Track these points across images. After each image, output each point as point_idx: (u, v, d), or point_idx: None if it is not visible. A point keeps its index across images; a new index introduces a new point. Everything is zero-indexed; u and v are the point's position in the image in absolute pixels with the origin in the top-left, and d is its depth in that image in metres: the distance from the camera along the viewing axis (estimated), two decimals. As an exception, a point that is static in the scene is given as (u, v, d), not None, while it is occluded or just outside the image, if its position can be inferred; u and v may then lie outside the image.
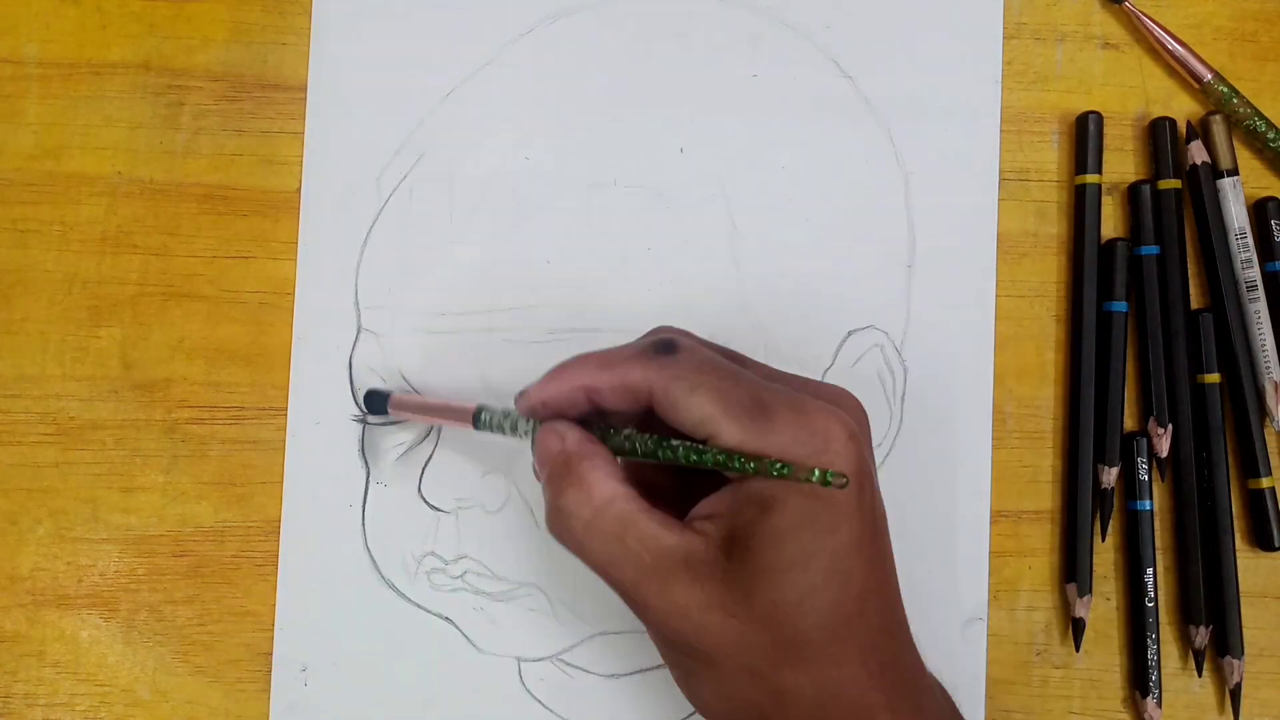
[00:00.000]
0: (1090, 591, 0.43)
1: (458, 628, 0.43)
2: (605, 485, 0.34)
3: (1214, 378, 0.44)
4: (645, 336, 0.37)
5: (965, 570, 0.44)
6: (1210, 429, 0.44)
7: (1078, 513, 0.43)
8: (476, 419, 0.38)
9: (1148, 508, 0.43)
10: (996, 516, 0.44)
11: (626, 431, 0.35)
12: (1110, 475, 0.43)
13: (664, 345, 0.35)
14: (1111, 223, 0.45)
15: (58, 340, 0.43)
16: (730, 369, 0.34)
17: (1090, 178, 0.44)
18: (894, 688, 0.34)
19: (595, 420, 0.36)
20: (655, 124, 0.45)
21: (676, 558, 0.33)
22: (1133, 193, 0.45)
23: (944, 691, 0.37)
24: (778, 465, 0.31)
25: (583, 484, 0.34)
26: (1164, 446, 0.43)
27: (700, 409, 0.33)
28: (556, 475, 0.35)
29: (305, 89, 0.44)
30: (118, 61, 0.44)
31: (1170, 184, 0.44)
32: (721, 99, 0.45)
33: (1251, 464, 0.44)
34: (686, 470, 0.35)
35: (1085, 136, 0.45)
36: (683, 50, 0.45)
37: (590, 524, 0.34)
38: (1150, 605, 0.43)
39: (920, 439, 0.44)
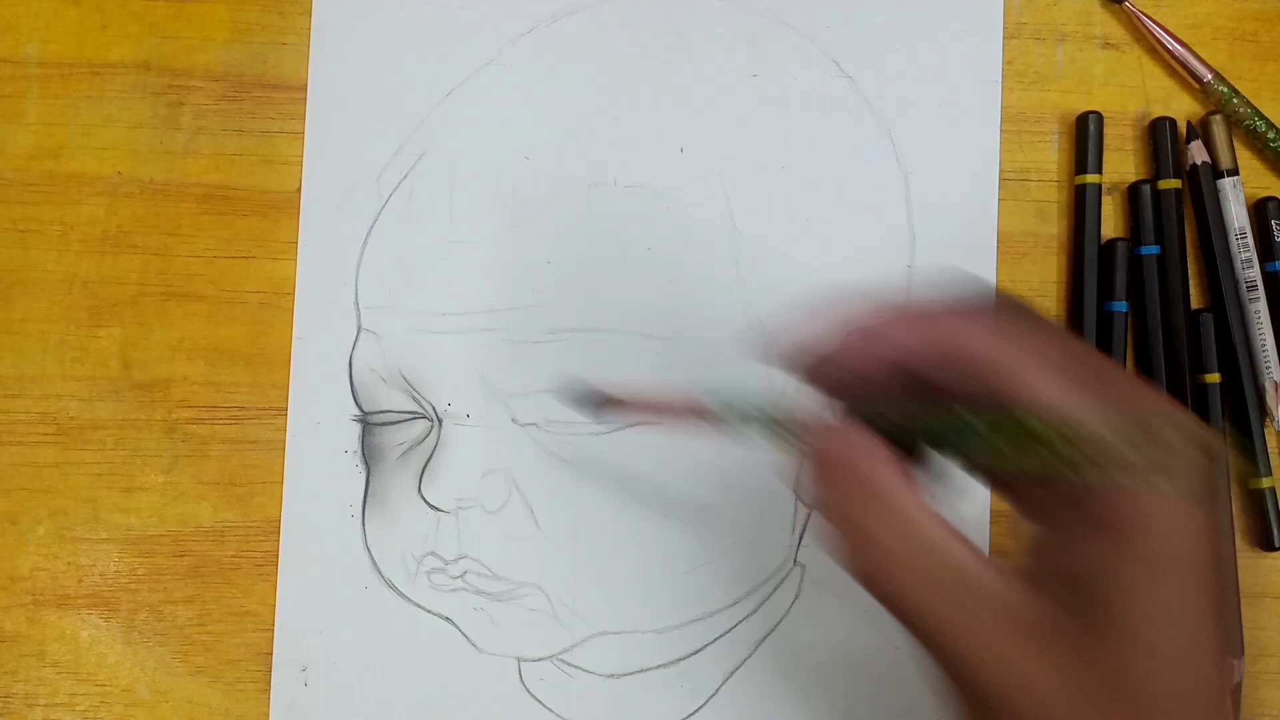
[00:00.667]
0: None
1: (458, 628, 0.43)
2: (910, 500, 0.26)
3: (1214, 378, 0.44)
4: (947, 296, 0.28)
5: (965, 570, 0.44)
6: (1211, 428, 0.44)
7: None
8: (710, 419, 0.32)
9: None
10: (996, 516, 0.44)
11: (901, 412, 0.27)
12: None
13: (979, 296, 0.27)
14: (1112, 223, 0.45)
15: (58, 340, 0.43)
16: (1062, 337, 0.27)
17: (1090, 178, 0.44)
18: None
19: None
20: (655, 124, 0.45)
21: (1000, 602, 0.26)
22: (1133, 193, 0.45)
23: None
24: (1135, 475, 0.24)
25: (881, 498, 0.27)
26: None
27: (1045, 388, 0.25)
28: (844, 486, 0.27)
29: (305, 89, 0.44)
30: (118, 61, 0.44)
31: (1170, 184, 0.44)
32: (721, 99, 0.45)
33: (1252, 463, 0.44)
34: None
35: (1085, 136, 0.45)
36: (683, 50, 0.45)
37: (889, 543, 0.26)
38: None
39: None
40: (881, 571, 0.27)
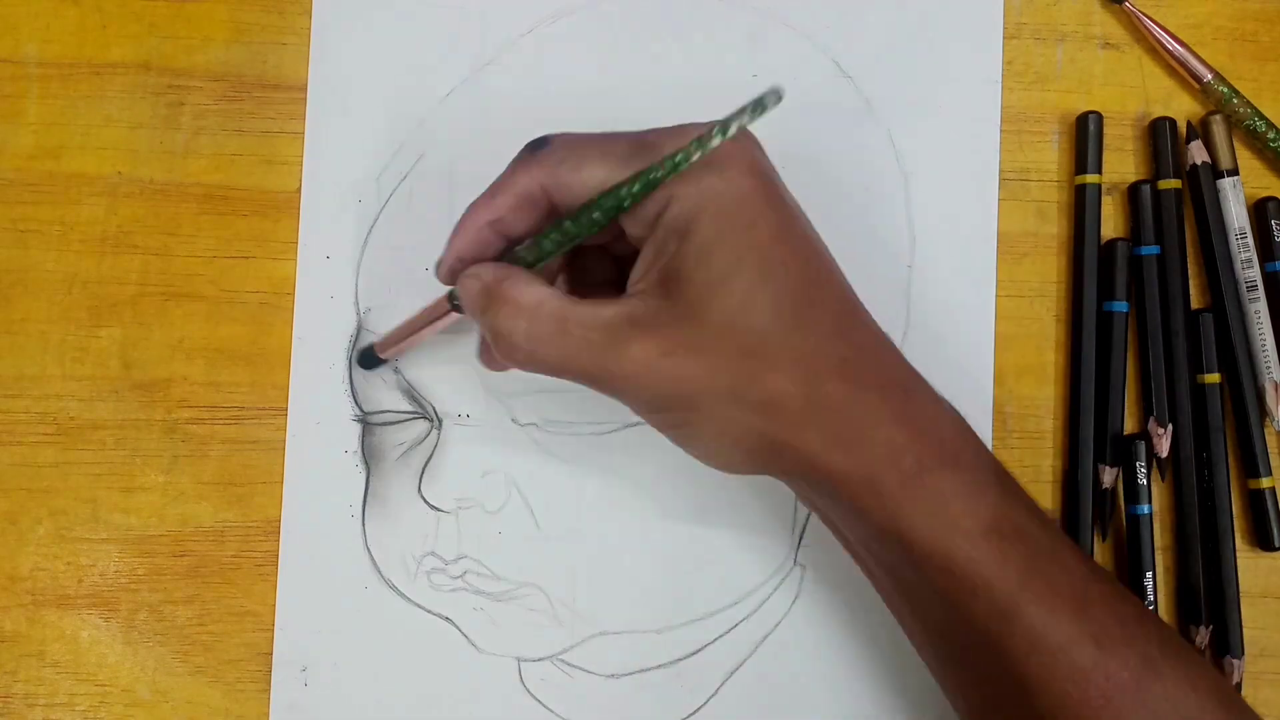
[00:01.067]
0: None
1: (458, 628, 0.43)
2: (530, 292, 0.34)
3: (1214, 377, 0.44)
4: None
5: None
6: (1210, 429, 0.44)
7: (1079, 514, 0.43)
8: (452, 302, 0.38)
9: (1146, 511, 0.43)
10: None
11: (526, 242, 0.35)
12: (1110, 475, 0.43)
13: (536, 143, 0.35)
14: (1112, 223, 0.45)
15: (58, 340, 0.43)
16: (605, 135, 0.35)
17: (1090, 177, 0.44)
18: (874, 369, 0.34)
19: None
20: (655, 124, 0.44)
21: (621, 321, 0.33)
22: (1133, 193, 0.45)
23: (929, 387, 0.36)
24: (671, 159, 0.31)
25: (508, 300, 0.34)
26: (1164, 446, 0.43)
27: (593, 176, 0.33)
28: (485, 307, 0.35)
29: (305, 89, 0.44)
30: (118, 61, 0.44)
31: (1170, 184, 0.44)
32: (721, 99, 0.45)
33: (1252, 464, 0.44)
34: (612, 265, 0.37)
35: (1085, 136, 0.45)
36: (683, 50, 0.45)
37: (530, 332, 0.34)
38: (1150, 608, 0.43)
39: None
40: (529, 353, 0.34)
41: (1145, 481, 0.43)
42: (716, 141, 0.31)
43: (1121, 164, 0.45)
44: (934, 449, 0.34)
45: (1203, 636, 0.43)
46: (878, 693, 0.43)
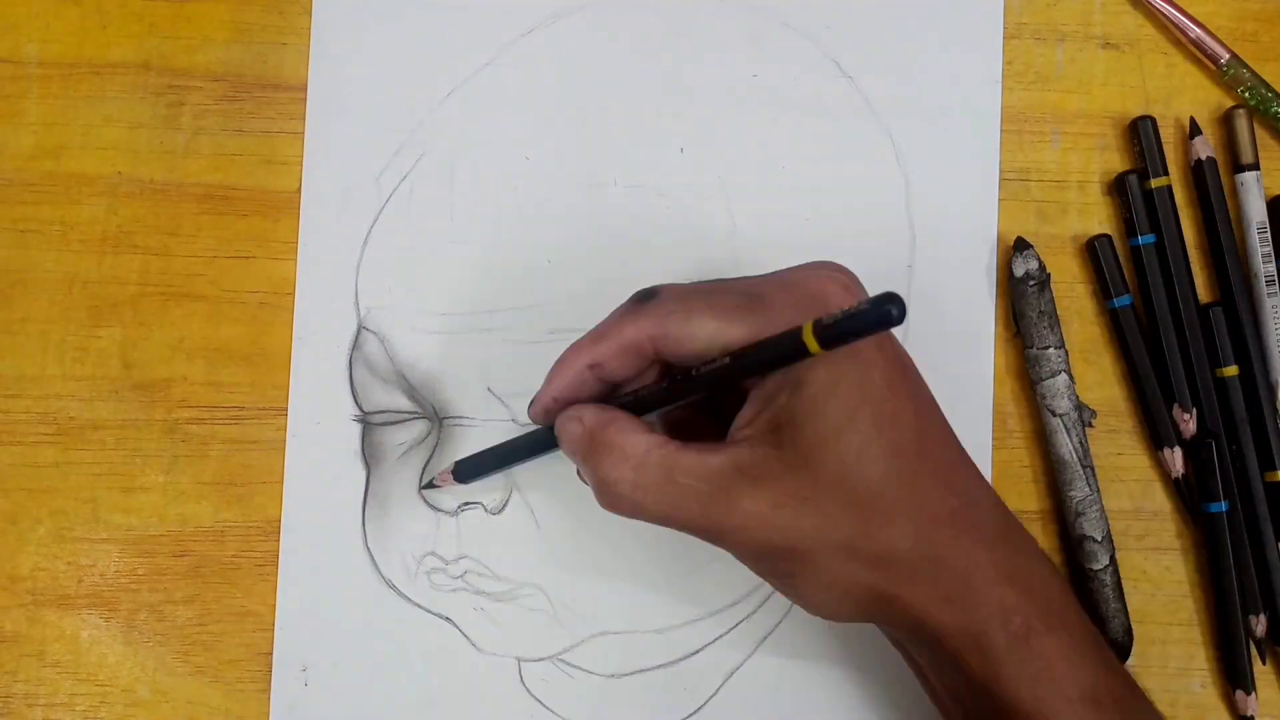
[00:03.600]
0: None
1: (458, 628, 0.43)
2: (635, 440, 0.34)
3: (1232, 370, 0.44)
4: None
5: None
6: (1236, 421, 0.43)
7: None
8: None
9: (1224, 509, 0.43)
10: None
11: (634, 389, 0.35)
12: (1177, 459, 0.43)
13: (644, 294, 0.35)
14: (1096, 219, 0.45)
15: (58, 340, 0.43)
16: (712, 285, 0.35)
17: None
18: (982, 523, 0.34)
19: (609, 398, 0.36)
20: (655, 124, 0.45)
21: (730, 471, 0.33)
22: (1120, 184, 0.44)
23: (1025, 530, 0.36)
24: (792, 344, 0.30)
25: (614, 448, 0.34)
26: (1190, 428, 0.43)
27: (701, 328, 0.33)
28: (588, 452, 0.34)
29: (305, 89, 0.44)
30: (118, 61, 0.44)
31: (1161, 181, 0.44)
32: (721, 99, 0.45)
33: (1268, 456, 0.43)
34: (715, 403, 0.36)
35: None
36: (683, 50, 0.45)
37: (636, 481, 0.33)
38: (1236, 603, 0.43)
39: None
40: (635, 504, 0.33)
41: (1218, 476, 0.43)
42: (844, 345, 0.30)
43: (1123, 165, 0.45)
44: (1041, 610, 0.33)
45: (1261, 625, 0.43)
46: (877, 693, 0.43)
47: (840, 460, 0.32)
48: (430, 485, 0.43)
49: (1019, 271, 0.43)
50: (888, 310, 0.28)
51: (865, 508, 0.32)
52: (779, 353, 0.32)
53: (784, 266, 0.37)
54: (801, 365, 0.32)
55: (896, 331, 0.44)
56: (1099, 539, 0.43)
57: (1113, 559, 0.43)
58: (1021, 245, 0.43)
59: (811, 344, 0.30)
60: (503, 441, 0.41)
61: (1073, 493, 0.43)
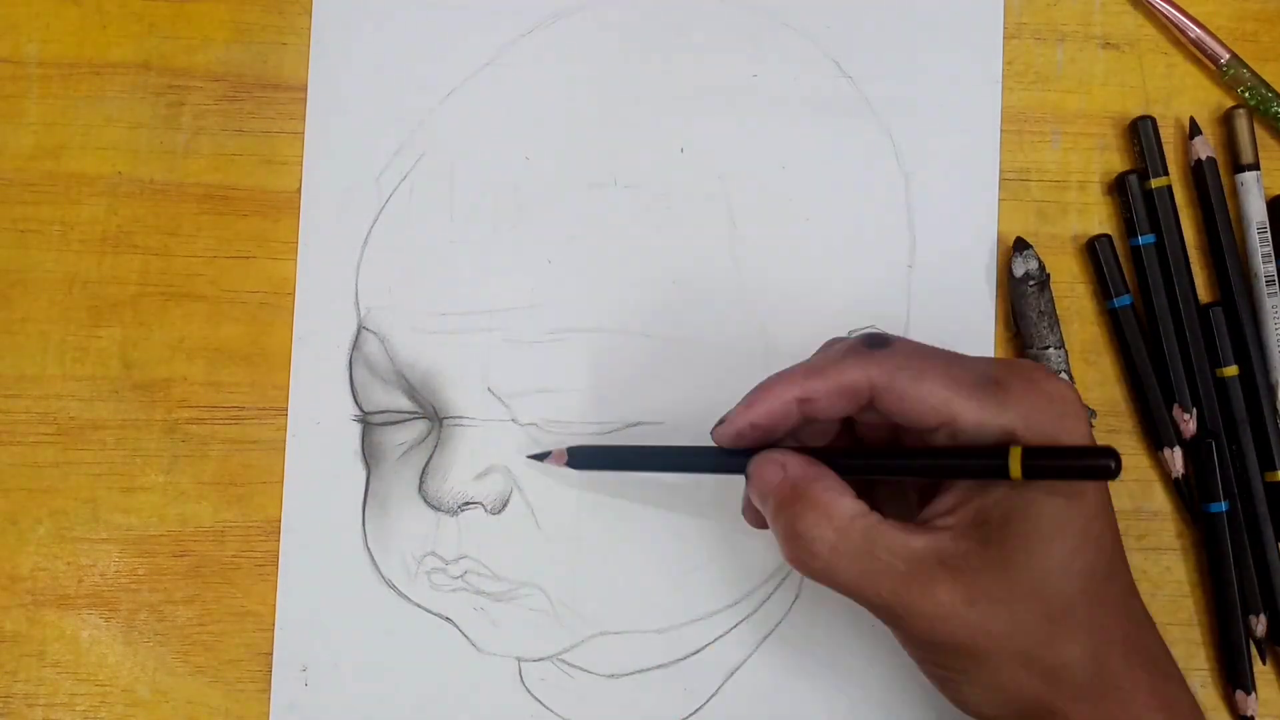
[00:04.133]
0: None
1: (458, 628, 0.43)
2: (843, 504, 0.33)
3: (1232, 370, 0.44)
4: (845, 340, 0.36)
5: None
6: (1236, 421, 0.43)
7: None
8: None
9: (1224, 509, 0.43)
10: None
11: (848, 453, 0.35)
12: (1177, 459, 0.43)
13: (876, 339, 0.34)
14: (1096, 219, 0.45)
15: (58, 340, 0.43)
16: (950, 353, 0.34)
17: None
18: (1147, 650, 0.34)
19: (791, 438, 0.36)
20: (655, 124, 0.45)
21: (930, 557, 0.32)
22: (1120, 184, 0.44)
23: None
24: (1035, 462, 0.30)
25: (818, 506, 0.33)
26: (1190, 428, 0.43)
27: (933, 394, 0.32)
28: (787, 503, 0.34)
29: (305, 89, 0.44)
30: (118, 61, 0.44)
31: (1161, 182, 0.44)
32: (721, 99, 0.45)
33: (1268, 457, 0.43)
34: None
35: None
36: (683, 50, 0.45)
37: (836, 545, 0.33)
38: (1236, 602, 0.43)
39: None
40: (828, 566, 0.33)
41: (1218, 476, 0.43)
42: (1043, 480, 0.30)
43: (1122, 165, 0.45)
44: None
45: (1262, 625, 0.43)
46: (877, 693, 0.43)
47: (1044, 568, 0.32)
48: (541, 456, 0.41)
49: (1019, 272, 0.43)
50: (1105, 464, 0.28)
51: (1054, 620, 0.32)
52: (979, 465, 0.32)
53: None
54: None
55: (896, 322, 0.44)
56: None
57: None
58: (1021, 245, 0.43)
59: (1015, 469, 0.30)
60: (651, 445, 0.40)
61: None
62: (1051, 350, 0.43)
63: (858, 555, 0.33)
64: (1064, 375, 0.43)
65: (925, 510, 0.34)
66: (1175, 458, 0.43)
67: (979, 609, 0.32)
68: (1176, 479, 0.44)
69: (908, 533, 0.33)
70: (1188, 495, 0.44)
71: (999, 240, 0.45)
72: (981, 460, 0.32)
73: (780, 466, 0.34)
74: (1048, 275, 0.43)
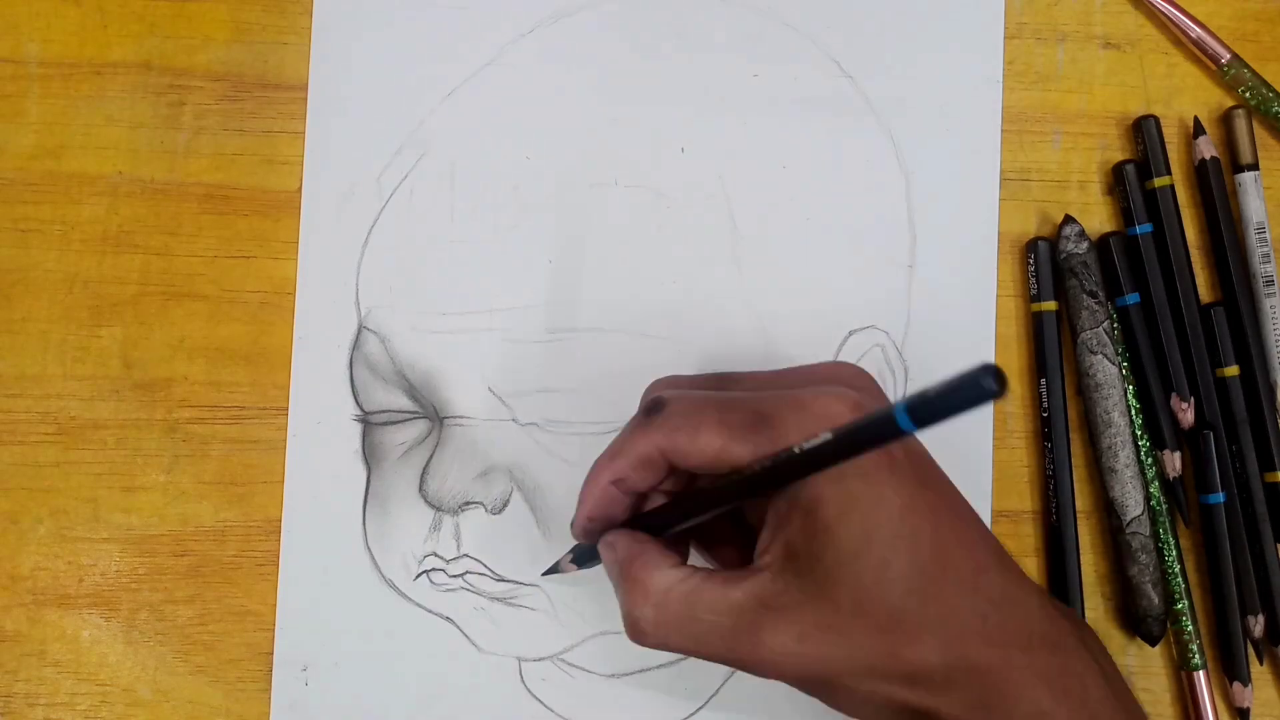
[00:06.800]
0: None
1: (458, 628, 0.43)
2: (659, 577, 0.34)
3: (1232, 370, 0.44)
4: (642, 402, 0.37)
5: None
6: (1236, 420, 0.43)
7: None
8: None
9: (1222, 499, 0.43)
10: (997, 516, 0.44)
11: (652, 506, 0.36)
12: (1175, 461, 0.43)
13: (653, 405, 0.35)
14: (1098, 219, 0.45)
15: (59, 340, 0.43)
16: (721, 398, 0.35)
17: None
18: (1017, 625, 0.33)
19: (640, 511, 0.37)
20: (655, 124, 0.45)
21: (751, 604, 0.33)
22: (1117, 174, 0.44)
23: (1081, 625, 0.36)
24: (811, 457, 0.30)
25: (638, 584, 0.34)
26: (1189, 418, 0.43)
27: (709, 446, 0.33)
28: (617, 584, 0.35)
29: (306, 88, 0.44)
30: (119, 61, 0.44)
31: (1163, 180, 0.44)
32: (722, 99, 0.45)
33: (1267, 457, 0.43)
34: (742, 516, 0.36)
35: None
36: (683, 50, 0.45)
37: (658, 620, 0.33)
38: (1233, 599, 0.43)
39: (920, 439, 0.44)
40: (658, 640, 0.34)
41: (1215, 467, 0.43)
42: (866, 453, 0.29)
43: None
44: (1076, 709, 0.33)
45: (1259, 625, 0.43)
46: None
47: (860, 585, 0.32)
48: (553, 570, 0.42)
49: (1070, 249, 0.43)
50: (987, 386, 0.23)
51: (889, 630, 0.32)
52: (769, 479, 0.31)
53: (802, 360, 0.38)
54: (812, 487, 0.32)
55: (896, 322, 0.44)
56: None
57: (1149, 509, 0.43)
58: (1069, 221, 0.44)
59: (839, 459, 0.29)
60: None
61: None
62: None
63: (682, 623, 0.33)
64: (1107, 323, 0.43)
65: (755, 557, 0.34)
66: (1173, 460, 0.43)
67: (811, 643, 0.32)
68: (1173, 479, 0.43)
69: (727, 585, 0.33)
70: (1183, 498, 0.44)
71: (999, 239, 0.45)
72: (766, 478, 0.32)
73: (610, 548, 0.35)
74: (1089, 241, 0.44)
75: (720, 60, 0.45)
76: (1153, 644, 0.43)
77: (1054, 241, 0.44)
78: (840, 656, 0.32)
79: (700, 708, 0.43)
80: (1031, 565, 0.44)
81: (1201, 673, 0.43)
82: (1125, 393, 0.43)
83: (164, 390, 0.43)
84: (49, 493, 0.43)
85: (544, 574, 0.42)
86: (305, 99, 0.44)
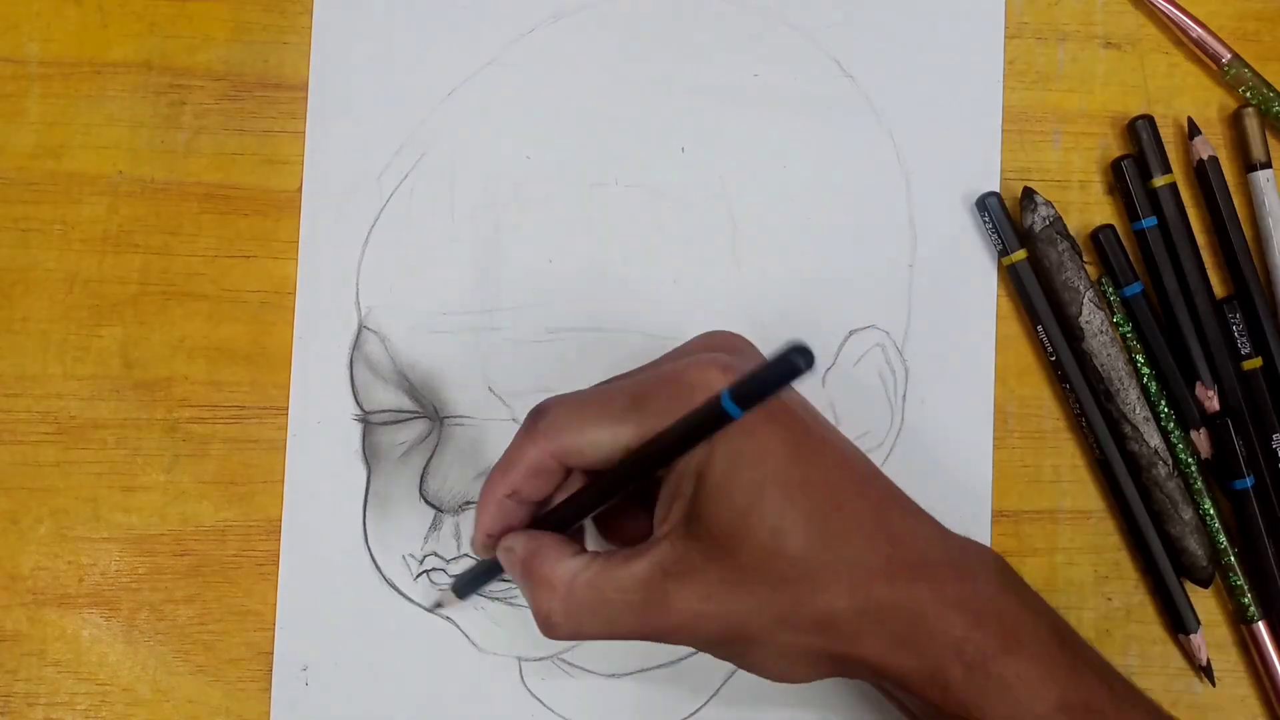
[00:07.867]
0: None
1: (458, 627, 0.43)
2: (561, 568, 0.34)
3: (1255, 363, 0.43)
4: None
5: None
6: (1259, 409, 0.43)
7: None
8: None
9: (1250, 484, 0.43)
10: (997, 516, 0.44)
11: (552, 506, 0.35)
12: (1204, 441, 0.43)
13: (535, 413, 0.35)
14: (1098, 217, 0.45)
15: (59, 339, 0.43)
16: (599, 390, 0.35)
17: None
18: (922, 559, 0.33)
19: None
20: (655, 124, 0.45)
21: (655, 575, 0.33)
22: (1116, 170, 0.44)
23: (986, 551, 0.35)
24: (686, 434, 0.30)
25: (542, 579, 0.34)
26: (1215, 404, 0.43)
27: (597, 437, 0.33)
28: (523, 586, 0.35)
29: (306, 88, 0.44)
30: (119, 61, 0.44)
31: (1165, 180, 0.44)
32: (722, 98, 0.45)
33: None
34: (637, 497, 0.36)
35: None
36: (683, 50, 0.45)
37: (569, 610, 0.33)
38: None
39: (921, 439, 0.44)
40: (572, 630, 0.34)
41: (1241, 453, 0.43)
42: (733, 419, 0.28)
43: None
44: (994, 634, 0.33)
45: None
46: (878, 693, 0.43)
47: (756, 540, 0.32)
48: (437, 606, 0.43)
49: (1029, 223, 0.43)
50: (787, 368, 0.24)
51: (794, 580, 0.32)
52: (656, 452, 0.32)
53: (698, 331, 0.38)
54: (700, 453, 0.32)
55: (896, 322, 0.44)
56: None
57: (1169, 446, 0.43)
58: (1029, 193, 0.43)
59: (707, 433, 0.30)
60: (479, 563, 0.41)
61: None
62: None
63: (593, 608, 0.33)
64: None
65: (654, 530, 0.34)
66: (1202, 439, 0.43)
67: (716, 601, 0.32)
68: (1205, 460, 0.43)
69: (630, 561, 0.33)
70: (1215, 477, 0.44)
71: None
72: (652, 451, 0.32)
73: (509, 550, 0.35)
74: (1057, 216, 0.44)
75: (720, 60, 0.45)
76: (1205, 586, 0.43)
77: (1000, 196, 0.44)
78: (747, 610, 0.32)
79: (701, 707, 0.43)
80: (1033, 565, 0.44)
81: (1263, 623, 0.43)
82: (1123, 340, 0.43)
83: (164, 390, 0.43)
84: (49, 492, 0.43)
85: (430, 609, 0.43)
86: (305, 99, 0.44)
